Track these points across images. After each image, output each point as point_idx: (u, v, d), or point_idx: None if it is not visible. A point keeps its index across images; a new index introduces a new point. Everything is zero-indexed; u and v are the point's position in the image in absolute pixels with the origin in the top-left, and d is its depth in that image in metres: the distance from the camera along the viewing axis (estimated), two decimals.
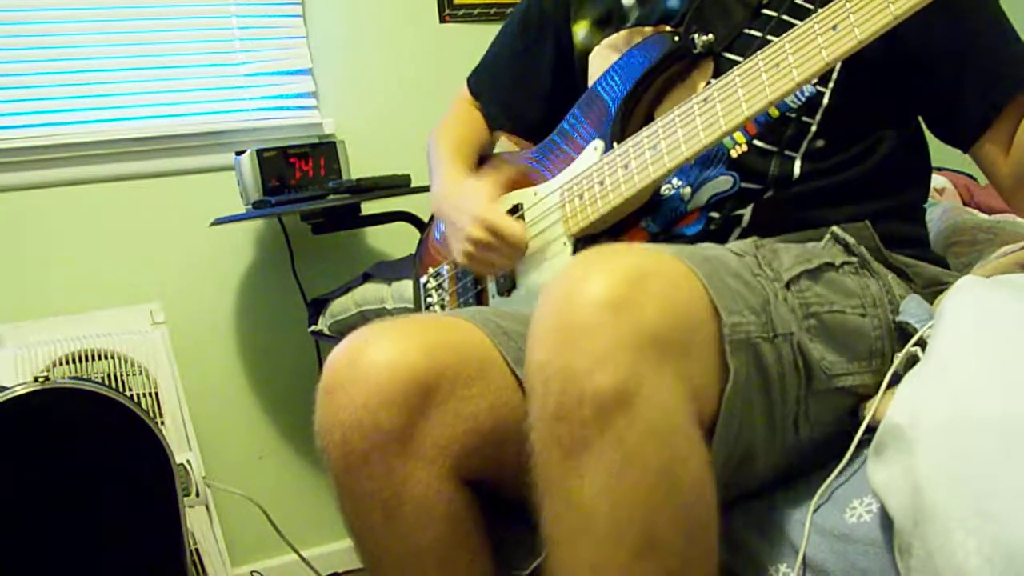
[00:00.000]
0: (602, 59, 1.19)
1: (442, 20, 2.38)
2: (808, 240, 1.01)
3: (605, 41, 1.20)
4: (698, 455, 0.77)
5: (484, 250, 1.15)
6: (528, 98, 1.35)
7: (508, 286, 1.22)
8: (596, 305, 0.75)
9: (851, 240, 0.99)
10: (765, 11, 1.06)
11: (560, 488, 0.76)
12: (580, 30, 1.26)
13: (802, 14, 1.00)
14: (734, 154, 1.06)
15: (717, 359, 0.81)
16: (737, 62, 0.98)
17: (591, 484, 0.74)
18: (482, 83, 1.42)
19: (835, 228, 0.99)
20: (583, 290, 0.76)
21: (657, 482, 0.74)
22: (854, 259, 0.98)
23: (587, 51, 1.23)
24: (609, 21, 1.21)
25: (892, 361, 0.92)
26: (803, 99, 1.03)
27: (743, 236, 1.05)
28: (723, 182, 1.06)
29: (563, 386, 0.74)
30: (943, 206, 1.41)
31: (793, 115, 1.04)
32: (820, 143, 1.04)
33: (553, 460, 0.76)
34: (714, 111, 0.98)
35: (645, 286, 0.76)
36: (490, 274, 1.24)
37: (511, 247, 1.14)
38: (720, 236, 1.06)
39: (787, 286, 0.90)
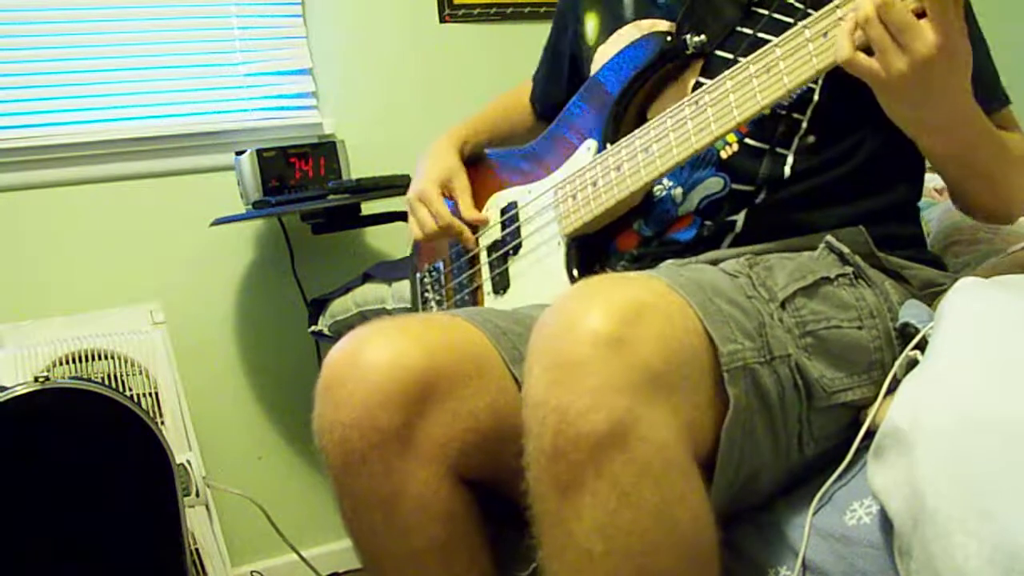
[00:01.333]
0: (601, 56, 1.20)
1: (442, 20, 2.38)
2: (803, 248, 1.01)
3: (609, 36, 1.20)
4: (695, 492, 0.77)
5: (419, 208, 1.30)
6: (558, 89, 1.36)
7: (503, 285, 1.22)
8: (591, 343, 0.74)
9: (845, 250, 0.98)
10: (756, 9, 1.06)
11: (557, 526, 0.76)
12: (588, 23, 1.26)
13: (793, 12, 1.01)
14: (724, 155, 1.06)
15: (714, 389, 0.81)
16: (728, 60, 0.99)
17: (588, 523, 0.74)
18: (536, 73, 1.44)
19: (829, 238, 0.99)
20: (580, 325, 0.76)
21: (654, 521, 0.74)
22: (849, 269, 0.97)
23: (593, 45, 1.23)
24: (612, 15, 1.21)
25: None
26: (794, 96, 1.03)
27: (736, 242, 1.05)
28: (714, 183, 1.06)
29: (558, 426, 0.73)
30: (943, 206, 1.41)
31: (784, 112, 1.04)
32: (811, 139, 1.04)
33: (550, 498, 0.76)
34: (705, 116, 0.98)
35: (642, 321, 0.76)
36: (417, 232, 1.31)
37: (436, 219, 1.27)
38: (713, 242, 1.06)
39: (782, 306, 0.89)
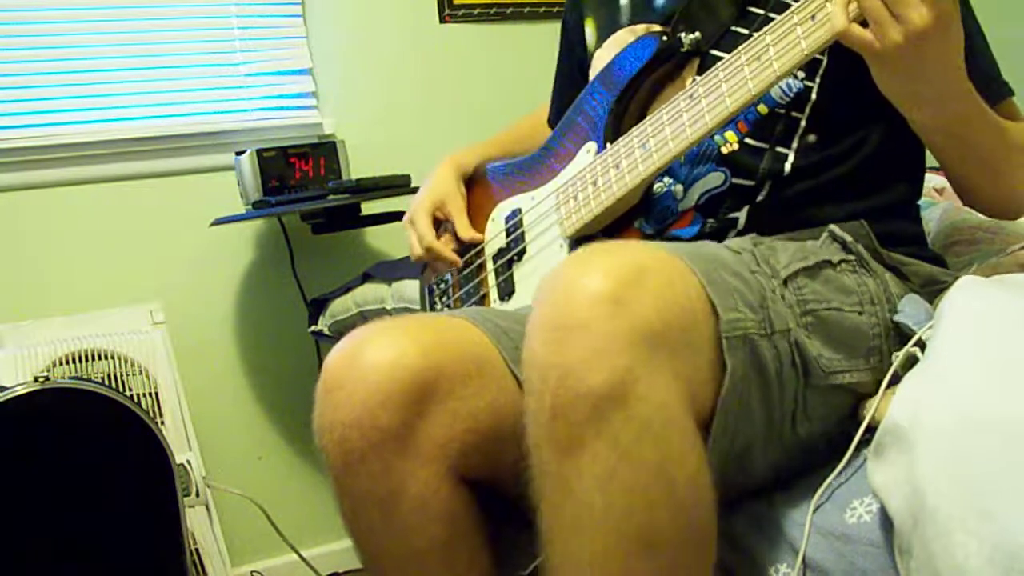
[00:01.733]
0: (599, 60, 1.20)
1: (442, 20, 2.38)
2: (806, 239, 1.01)
3: (606, 41, 1.20)
4: (695, 453, 0.77)
5: (408, 230, 1.35)
6: (571, 99, 1.35)
7: (509, 290, 1.22)
8: (592, 302, 0.75)
9: (848, 238, 0.99)
10: (751, 8, 1.06)
11: (557, 484, 0.76)
12: (588, 29, 1.26)
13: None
14: (725, 151, 1.06)
15: (714, 356, 0.81)
16: (722, 59, 0.99)
17: (588, 480, 0.74)
18: (552, 95, 1.44)
19: (832, 226, 0.99)
20: (580, 286, 0.76)
21: (653, 479, 0.74)
22: (852, 257, 0.98)
23: (592, 50, 1.23)
24: (608, 20, 1.22)
25: (890, 360, 0.92)
26: (791, 94, 1.03)
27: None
28: (714, 178, 1.06)
29: (559, 384, 0.74)
30: (943, 205, 1.41)
31: (782, 111, 1.04)
32: (811, 138, 1.04)
33: (550, 456, 0.76)
34: (699, 107, 0.98)
35: (642, 283, 0.77)
36: (413, 252, 1.35)
37: (420, 242, 1.32)
38: (715, 238, 1.05)
39: (784, 283, 0.90)
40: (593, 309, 0.74)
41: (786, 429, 0.88)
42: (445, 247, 1.32)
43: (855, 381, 0.92)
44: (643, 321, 0.75)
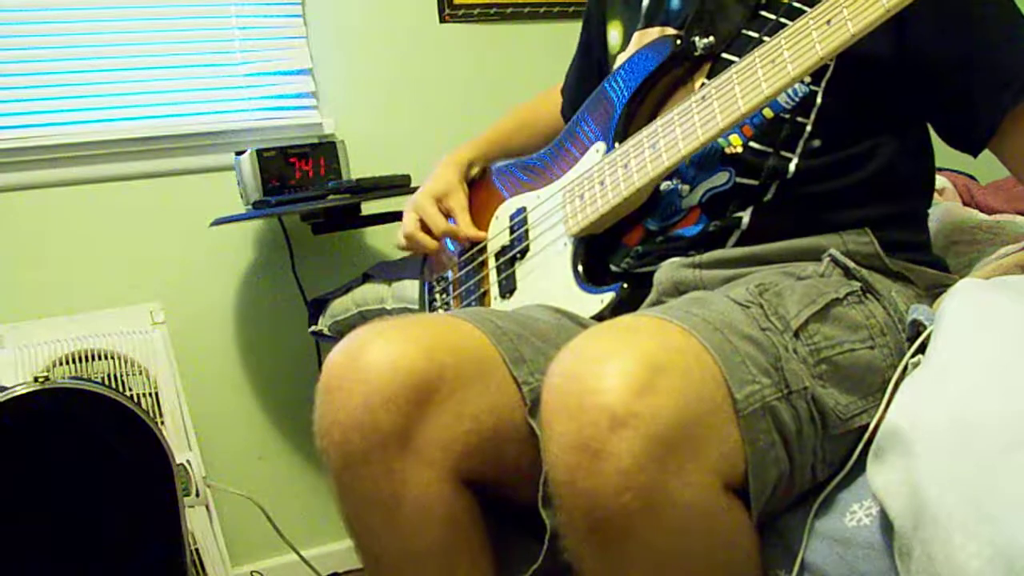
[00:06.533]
0: (618, 63, 1.20)
1: (442, 20, 2.38)
2: (807, 251, 1.01)
3: (626, 45, 1.20)
4: (734, 523, 0.79)
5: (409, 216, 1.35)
6: (586, 94, 1.35)
7: (510, 288, 1.22)
8: (609, 425, 0.73)
9: (851, 264, 0.97)
10: (763, 13, 1.06)
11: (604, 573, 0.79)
12: (612, 31, 1.26)
13: (799, 17, 1.01)
14: (729, 152, 1.05)
15: (739, 430, 0.80)
16: (734, 62, 0.99)
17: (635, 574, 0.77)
18: (566, 77, 1.43)
19: (833, 251, 0.99)
20: (593, 403, 0.75)
21: (700, 559, 0.78)
22: (856, 285, 0.96)
23: (614, 54, 1.23)
24: (628, 24, 1.22)
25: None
26: (797, 99, 1.03)
27: (742, 240, 1.04)
28: (719, 178, 1.06)
29: (590, 506, 0.74)
30: (943, 206, 1.41)
31: (787, 116, 1.03)
32: (816, 143, 1.03)
33: (592, 561, 0.78)
34: (711, 108, 0.98)
35: (658, 387, 0.75)
36: (399, 239, 1.35)
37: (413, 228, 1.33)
38: (719, 239, 1.05)
39: (796, 335, 0.88)
40: (612, 431, 0.73)
41: (806, 477, 0.87)
42: (464, 228, 1.30)
43: (870, 419, 0.90)
44: (665, 429, 0.74)
